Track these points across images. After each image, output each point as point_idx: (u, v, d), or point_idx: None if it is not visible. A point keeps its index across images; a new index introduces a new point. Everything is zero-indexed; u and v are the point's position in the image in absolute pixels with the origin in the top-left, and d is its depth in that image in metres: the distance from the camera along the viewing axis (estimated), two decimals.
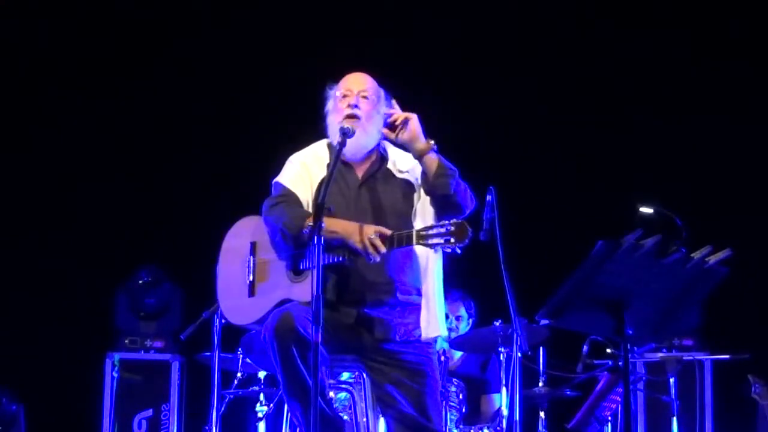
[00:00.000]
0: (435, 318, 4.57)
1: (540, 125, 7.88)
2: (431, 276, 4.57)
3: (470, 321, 6.90)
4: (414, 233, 4.31)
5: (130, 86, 8.08)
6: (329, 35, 7.79)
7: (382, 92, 4.65)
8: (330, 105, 4.66)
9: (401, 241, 4.32)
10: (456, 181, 4.49)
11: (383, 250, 4.31)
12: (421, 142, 4.51)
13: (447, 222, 4.26)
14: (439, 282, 4.61)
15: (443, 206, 4.52)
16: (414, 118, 4.54)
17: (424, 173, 4.53)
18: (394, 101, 4.63)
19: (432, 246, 4.29)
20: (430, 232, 4.27)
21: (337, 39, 7.66)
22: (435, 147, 4.50)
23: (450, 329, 6.76)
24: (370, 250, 4.31)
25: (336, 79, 4.69)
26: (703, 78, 7.71)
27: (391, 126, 4.57)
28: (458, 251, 4.28)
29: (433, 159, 4.49)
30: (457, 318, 6.85)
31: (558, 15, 7.95)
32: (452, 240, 4.23)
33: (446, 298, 6.61)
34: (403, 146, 4.61)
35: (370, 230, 4.34)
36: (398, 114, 4.56)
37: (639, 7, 7.89)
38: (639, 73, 7.87)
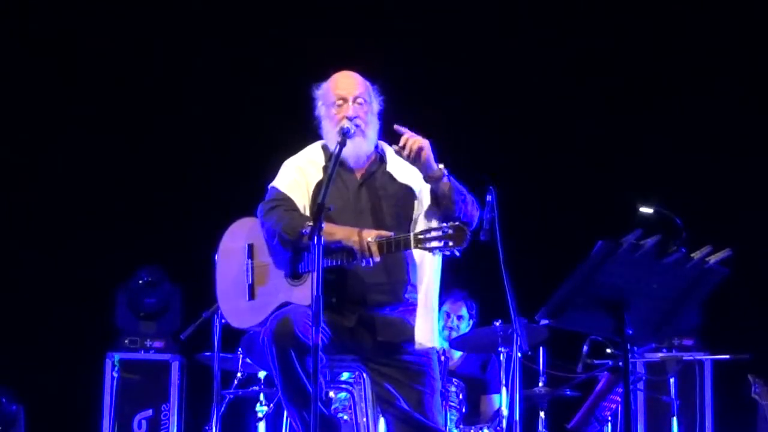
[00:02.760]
0: (430, 327, 4.54)
1: (540, 125, 7.87)
2: (429, 280, 4.55)
3: (470, 322, 6.90)
4: (411, 237, 4.28)
5: (130, 85, 8.07)
6: (328, 35, 7.77)
7: (371, 89, 4.61)
8: (322, 110, 4.60)
9: (398, 245, 4.30)
10: (466, 204, 4.48)
11: (377, 258, 4.29)
12: (433, 169, 4.44)
13: (445, 225, 4.25)
14: (437, 288, 4.58)
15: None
16: (426, 146, 4.43)
17: (434, 194, 4.49)
18: (401, 128, 4.46)
19: (430, 250, 4.26)
20: (428, 235, 4.25)
21: (335, 39, 7.65)
22: (446, 171, 4.45)
23: (450, 328, 6.79)
24: (367, 253, 4.29)
25: (324, 78, 4.63)
26: (703, 77, 7.71)
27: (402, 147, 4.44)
28: (457, 254, 4.26)
29: (444, 183, 4.44)
30: (459, 317, 6.85)
31: (557, 15, 7.94)
32: (450, 243, 4.21)
33: (449, 296, 6.68)
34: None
35: (370, 234, 4.32)
36: (410, 142, 4.42)
37: (638, 7, 7.88)
38: (638, 72, 7.86)
